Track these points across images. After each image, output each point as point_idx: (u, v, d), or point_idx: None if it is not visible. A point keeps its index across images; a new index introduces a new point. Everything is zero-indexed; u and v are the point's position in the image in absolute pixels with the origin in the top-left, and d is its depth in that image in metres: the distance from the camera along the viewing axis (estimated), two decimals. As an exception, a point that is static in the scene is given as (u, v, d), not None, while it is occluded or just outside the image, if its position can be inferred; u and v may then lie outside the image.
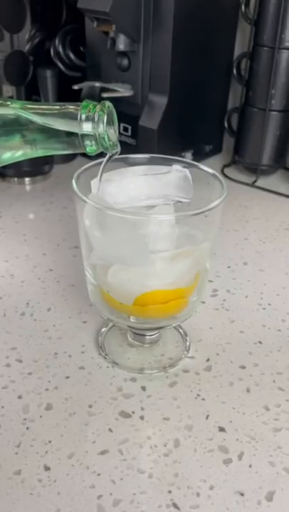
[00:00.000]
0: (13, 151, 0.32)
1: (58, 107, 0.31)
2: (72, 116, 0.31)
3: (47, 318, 0.45)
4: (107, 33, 0.67)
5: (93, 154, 0.33)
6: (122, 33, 0.65)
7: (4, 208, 0.64)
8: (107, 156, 0.35)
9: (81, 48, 0.77)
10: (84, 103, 0.31)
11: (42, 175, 0.71)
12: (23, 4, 0.71)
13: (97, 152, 0.32)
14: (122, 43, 0.66)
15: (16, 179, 0.70)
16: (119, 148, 0.34)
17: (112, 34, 0.66)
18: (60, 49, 0.76)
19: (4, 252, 0.55)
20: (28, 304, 0.47)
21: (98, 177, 0.36)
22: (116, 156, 0.35)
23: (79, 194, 0.34)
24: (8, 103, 0.31)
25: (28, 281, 0.50)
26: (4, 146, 0.32)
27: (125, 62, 0.68)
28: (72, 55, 0.76)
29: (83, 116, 0.31)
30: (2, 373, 0.39)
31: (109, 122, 0.32)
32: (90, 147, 0.32)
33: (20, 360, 0.40)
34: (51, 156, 0.72)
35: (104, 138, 0.31)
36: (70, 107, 0.31)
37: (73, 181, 0.35)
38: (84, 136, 0.31)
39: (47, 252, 0.55)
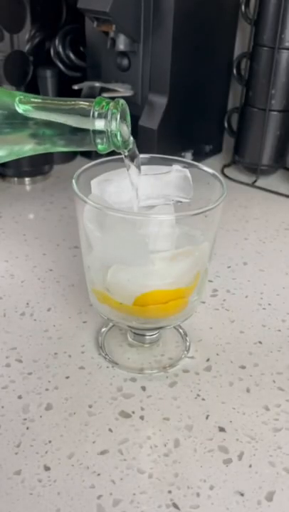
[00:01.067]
0: (21, 146, 0.31)
1: (69, 103, 0.30)
2: (85, 113, 0.30)
3: (47, 318, 0.45)
4: (107, 33, 0.67)
5: (104, 153, 0.32)
6: (122, 33, 0.65)
7: (4, 208, 0.64)
8: (127, 156, 0.34)
9: (81, 48, 0.77)
10: (97, 100, 0.30)
11: (42, 175, 0.71)
12: (23, 4, 0.71)
13: (108, 150, 0.32)
14: (122, 43, 0.66)
15: (16, 179, 0.70)
16: (133, 145, 0.33)
17: (112, 34, 0.66)
18: (60, 49, 0.76)
19: (4, 252, 0.55)
20: (28, 304, 0.47)
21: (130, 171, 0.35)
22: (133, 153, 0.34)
23: (79, 194, 0.34)
24: (19, 97, 0.31)
25: (28, 282, 0.50)
26: (12, 140, 0.31)
27: (125, 62, 0.68)
28: (72, 55, 0.76)
29: (96, 113, 0.30)
30: (2, 373, 0.39)
31: (122, 120, 0.31)
32: (101, 145, 0.31)
33: (20, 360, 0.40)
34: (51, 156, 0.72)
35: (116, 136, 0.31)
36: (82, 103, 0.30)
37: (73, 181, 0.35)
38: (95, 133, 0.30)
39: (47, 252, 0.55)
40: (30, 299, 0.47)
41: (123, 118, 0.31)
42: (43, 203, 0.66)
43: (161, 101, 0.67)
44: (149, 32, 0.64)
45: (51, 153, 0.71)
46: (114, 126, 0.30)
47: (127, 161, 0.35)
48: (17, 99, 0.31)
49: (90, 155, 0.77)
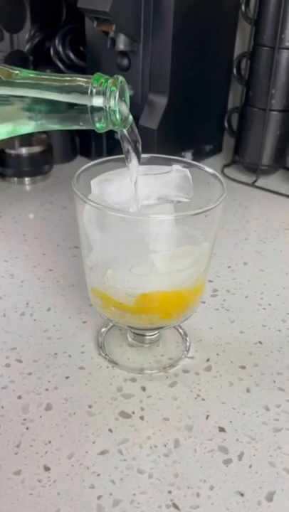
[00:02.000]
0: (15, 123, 0.30)
1: (67, 79, 0.30)
2: (83, 90, 0.29)
3: (47, 318, 0.45)
4: (107, 33, 0.67)
5: (102, 131, 0.31)
6: (122, 32, 0.64)
7: (4, 208, 0.64)
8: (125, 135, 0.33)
9: (81, 48, 0.77)
10: (95, 76, 0.30)
11: (42, 175, 0.71)
12: (23, 4, 0.71)
13: (106, 129, 0.31)
14: (122, 43, 0.66)
15: (16, 179, 0.70)
16: (133, 124, 0.33)
17: (112, 34, 0.66)
18: (60, 49, 0.76)
19: (4, 252, 0.55)
20: (27, 304, 0.47)
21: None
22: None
23: (79, 194, 0.34)
24: (16, 72, 0.30)
25: (28, 281, 0.50)
26: (5, 117, 0.30)
27: (125, 62, 0.68)
28: (72, 55, 0.76)
29: (94, 91, 0.29)
30: (2, 373, 0.39)
31: (121, 98, 0.30)
32: (99, 123, 0.30)
33: (20, 360, 0.40)
34: (51, 156, 0.72)
35: (115, 114, 0.30)
36: (80, 80, 0.29)
37: (73, 181, 0.35)
38: (94, 111, 0.29)
39: (47, 252, 0.55)
40: (30, 299, 0.47)
41: (122, 95, 0.30)
42: (43, 203, 0.66)
43: (161, 101, 0.67)
44: (149, 32, 0.64)
45: (51, 153, 0.71)
46: (112, 103, 0.29)
47: (126, 145, 0.34)
48: (13, 75, 0.30)
49: (90, 155, 0.77)
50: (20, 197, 0.67)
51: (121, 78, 0.31)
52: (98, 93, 0.29)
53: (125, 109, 0.31)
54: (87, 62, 0.75)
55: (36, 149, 0.69)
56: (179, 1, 0.61)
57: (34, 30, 0.74)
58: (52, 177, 0.73)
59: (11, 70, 0.30)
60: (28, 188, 0.70)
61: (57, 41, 0.75)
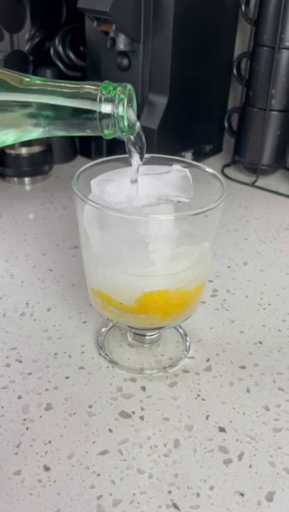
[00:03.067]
0: (23, 129, 0.31)
1: (76, 86, 0.30)
2: (91, 97, 0.30)
3: (47, 318, 0.45)
4: (107, 33, 0.67)
5: (109, 138, 0.32)
6: (122, 32, 0.64)
7: (4, 207, 0.64)
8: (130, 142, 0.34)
9: (81, 48, 0.77)
10: (104, 84, 0.30)
11: (42, 175, 0.71)
12: (23, 4, 0.71)
13: (114, 136, 0.31)
14: (122, 43, 0.66)
15: (16, 179, 0.70)
16: (140, 131, 0.33)
17: (112, 34, 0.66)
18: (60, 49, 0.76)
19: (4, 252, 0.55)
20: (27, 304, 0.47)
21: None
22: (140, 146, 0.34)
23: (79, 194, 0.34)
24: (27, 79, 0.30)
25: (28, 282, 0.50)
26: (13, 123, 0.31)
27: (125, 62, 0.68)
28: (72, 55, 0.76)
29: (103, 98, 0.30)
30: (2, 373, 0.39)
31: (129, 105, 0.31)
32: (107, 130, 0.31)
33: (20, 361, 0.40)
34: (51, 156, 0.72)
35: (123, 121, 0.30)
36: (89, 87, 0.30)
37: (73, 181, 0.35)
38: (101, 118, 0.30)
39: (47, 252, 0.55)
40: (30, 299, 0.47)
41: (130, 103, 0.31)
42: (43, 202, 0.66)
43: (161, 101, 0.67)
44: (149, 32, 0.64)
45: (51, 153, 0.71)
46: (121, 110, 0.30)
47: (131, 148, 0.34)
48: (24, 81, 0.30)
49: (90, 155, 0.77)
50: (20, 197, 0.67)
51: (129, 86, 0.31)
52: (107, 100, 0.30)
53: (133, 116, 0.32)
54: (87, 62, 0.75)
55: (36, 149, 0.69)
56: (179, 1, 0.61)
57: (34, 30, 0.74)
58: (52, 177, 0.73)
59: (21, 77, 0.31)
60: (28, 188, 0.70)
61: (57, 41, 0.75)
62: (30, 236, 0.58)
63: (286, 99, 0.68)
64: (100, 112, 0.30)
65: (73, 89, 0.30)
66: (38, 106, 0.30)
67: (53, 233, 0.58)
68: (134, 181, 0.36)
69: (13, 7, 0.70)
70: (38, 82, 0.31)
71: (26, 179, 0.70)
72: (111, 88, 0.30)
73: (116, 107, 0.30)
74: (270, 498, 0.30)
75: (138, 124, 0.33)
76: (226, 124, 0.79)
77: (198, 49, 0.68)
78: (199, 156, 0.76)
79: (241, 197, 0.69)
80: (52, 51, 0.76)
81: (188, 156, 0.74)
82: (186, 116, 0.71)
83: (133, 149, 0.34)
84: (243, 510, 0.30)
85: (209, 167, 0.38)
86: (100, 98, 0.30)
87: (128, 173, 0.37)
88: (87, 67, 0.75)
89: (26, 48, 0.74)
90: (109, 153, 0.70)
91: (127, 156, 0.38)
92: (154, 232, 0.34)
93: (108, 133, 0.31)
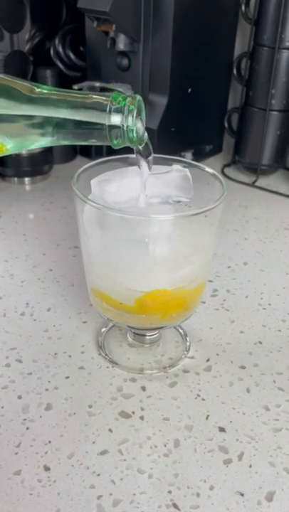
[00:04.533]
0: (31, 138, 0.31)
1: (85, 96, 0.30)
2: (101, 107, 0.30)
3: (47, 318, 0.45)
4: (107, 33, 0.67)
5: (118, 148, 0.32)
6: (122, 32, 0.64)
7: (4, 207, 0.64)
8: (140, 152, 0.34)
9: (81, 48, 0.77)
10: (114, 95, 0.30)
11: (42, 175, 0.71)
12: (23, 4, 0.71)
13: (122, 146, 0.32)
14: (122, 43, 0.66)
15: (16, 179, 0.70)
16: (148, 142, 0.33)
17: (112, 34, 0.66)
18: (60, 49, 0.76)
19: (4, 252, 0.55)
20: (27, 304, 0.47)
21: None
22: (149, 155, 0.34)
23: (79, 194, 0.34)
24: (38, 90, 0.31)
25: (28, 282, 0.50)
26: (21, 132, 0.31)
27: (125, 62, 0.68)
28: (72, 55, 0.76)
29: (112, 108, 0.30)
30: (2, 373, 0.39)
31: (138, 116, 0.31)
32: (116, 140, 0.31)
33: (20, 360, 0.40)
34: (51, 156, 0.72)
35: (132, 131, 0.30)
36: (98, 98, 0.30)
37: (73, 181, 0.35)
38: (110, 128, 0.30)
39: (47, 252, 0.55)
40: (30, 299, 0.47)
41: (138, 114, 0.31)
42: (43, 202, 0.66)
43: (161, 101, 0.67)
44: (149, 32, 0.64)
45: (51, 153, 0.71)
46: (130, 121, 0.30)
47: (139, 158, 0.34)
48: (34, 91, 0.30)
49: (90, 155, 0.77)
50: (20, 197, 0.67)
51: (138, 97, 0.31)
52: (116, 111, 0.30)
53: (141, 127, 0.32)
54: (87, 62, 0.75)
55: (36, 149, 0.69)
56: (179, 1, 0.61)
57: (34, 30, 0.74)
58: (52, 177, 0.73)
59: (32, 86, 0.31)
60: (28, 188, 0.70)
61: (57, 41, 0.75)
62: (30, 236, 0.58)
63: (286, 99, 0.68)
64: (110, 123, 0.30)
65: (83, 100, 0.30)
66: (47, 115, 0.30)
67: (53, 233, 0.58)
68: (143, 190, 0.36)
69: (13, 7, 0.70)
70: (48, 91, 0.31)
71: (26, 179, 0.70)
72: (120, 99, 0.30)
73: (125, 118, 0.30)
74: (270, 498, 0.30)
75: (146, 134, 0.33)
76: (226, 124, 0.79)
77: (198, 49, 0.68)
78: (199, 156, 0.76)
79: (241, 197, 0.69)
80: (52, 51, 0.76)
81: (188, 156, 0.74)
82: (186, 116, 0.71)
83: (141, 159, 0.34)
84: (243, 510, 0.30)
85: (209, 167, 0.38)
86: (110, 109, 0.30)
87: (128, 173, 0.37)
88: (87, 67, 0.75)
89: (26, 48, 0.74)
90: (109, 154, 0.70)
91: (126, 156, 0.38)
92: (154, 232, 0.34)
93: (117, 143, 0.31)
